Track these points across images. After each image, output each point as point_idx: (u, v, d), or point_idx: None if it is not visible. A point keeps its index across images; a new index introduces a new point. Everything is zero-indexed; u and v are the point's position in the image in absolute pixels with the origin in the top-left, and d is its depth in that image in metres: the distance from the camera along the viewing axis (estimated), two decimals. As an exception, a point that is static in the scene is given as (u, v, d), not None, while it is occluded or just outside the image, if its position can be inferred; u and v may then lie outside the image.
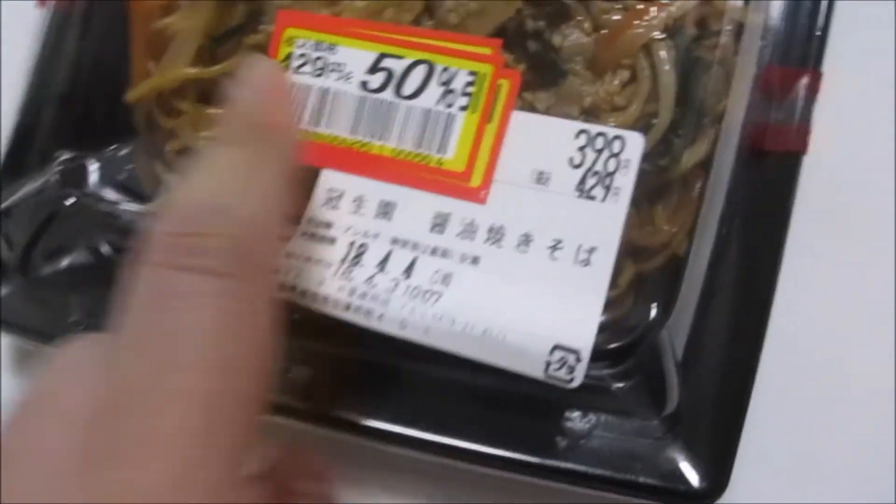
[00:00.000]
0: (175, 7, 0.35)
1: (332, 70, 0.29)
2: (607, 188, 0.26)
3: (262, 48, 0.34)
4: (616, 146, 0.26)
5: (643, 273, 0.31)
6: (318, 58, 0.30)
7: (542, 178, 0.27)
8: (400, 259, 0.27)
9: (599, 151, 0.27)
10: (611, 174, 0.26)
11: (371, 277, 0.27)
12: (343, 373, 0.32)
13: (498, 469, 0.31)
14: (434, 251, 0.27)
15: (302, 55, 0.30)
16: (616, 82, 0.31)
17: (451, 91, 0.28)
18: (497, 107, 0.28)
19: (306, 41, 0.30)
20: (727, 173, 0.30)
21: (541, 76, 0.31)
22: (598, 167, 0.26)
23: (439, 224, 0.27)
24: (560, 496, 0.31)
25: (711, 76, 0.30)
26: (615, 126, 0.27)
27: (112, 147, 0.36)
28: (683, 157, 0.30)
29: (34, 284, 0.36)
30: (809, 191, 0.31)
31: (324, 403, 0.31)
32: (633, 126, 0.30)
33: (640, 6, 0.30)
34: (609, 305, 0.27)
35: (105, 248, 0.36)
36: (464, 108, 0.28)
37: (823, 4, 0.31)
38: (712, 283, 0.30)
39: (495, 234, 0.27)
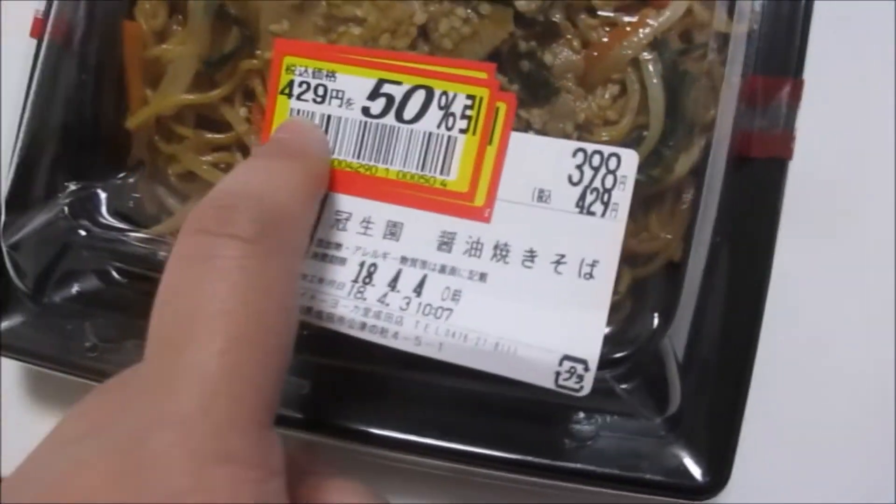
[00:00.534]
0: (169, 33, 0.36)
1: (334, 97, 0.30)
2: (606, 204, 0.27)
3: (259, 73, 0.35)
4: (612, 163, 0.27)
5: (640, 278, 0.32)
6: (319, 85, 0.30)
7: (543, 196, 0.28)
8: (410, 277, 0.28)
9: (596, 169, 0.28)
10: (608, 190, 0.27)
11: (384, 296, 0.28)
12: (356, 386, 0.34)
13: (511, 472, 0.32)
14: (443, 269, 0.28)
15: (303, 83, 0.31)
16: (607, 97, 0.32)
17: (450, 114, 0.29)
18: (496, 129, 0.29)
19: (305, 69, 0.31)
20: (718, 180, 0.31)
21: (535, 94, 0.31)
22: (597, 184, 0.28)
23: (446, 243, 0.28)
24: (564, 496, 0.33)
25: (698, 87, 0.31)
26: (609, 143, 0.29)
27: (119, 175, 0.37)
28: (675, 166, 0.31)
29: (46, 312, 0.36)
30: (796, 195, 0.32)
31: (348, 417, 0.33)
32: (625, 139, 0.31)
33: (627, 21, 0.32)
34: (610, 310, 0.27)
35: (115, 275, 0.36)
36: (464, 131, 0.29)
37: (801, 14, 0.33)
38: (708, 287, 0.32)
39: (501, 251, 0.28)
